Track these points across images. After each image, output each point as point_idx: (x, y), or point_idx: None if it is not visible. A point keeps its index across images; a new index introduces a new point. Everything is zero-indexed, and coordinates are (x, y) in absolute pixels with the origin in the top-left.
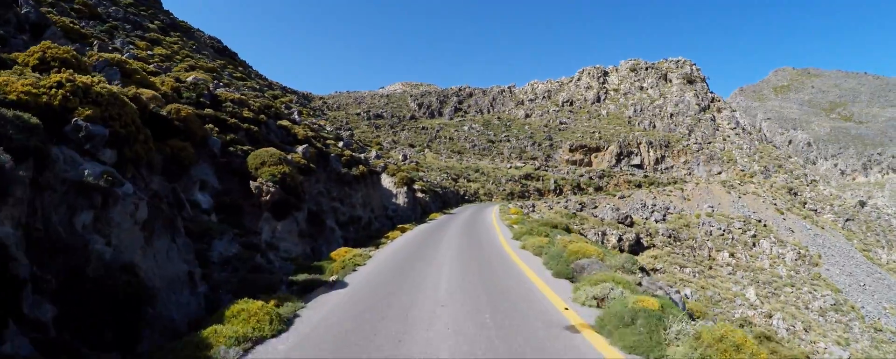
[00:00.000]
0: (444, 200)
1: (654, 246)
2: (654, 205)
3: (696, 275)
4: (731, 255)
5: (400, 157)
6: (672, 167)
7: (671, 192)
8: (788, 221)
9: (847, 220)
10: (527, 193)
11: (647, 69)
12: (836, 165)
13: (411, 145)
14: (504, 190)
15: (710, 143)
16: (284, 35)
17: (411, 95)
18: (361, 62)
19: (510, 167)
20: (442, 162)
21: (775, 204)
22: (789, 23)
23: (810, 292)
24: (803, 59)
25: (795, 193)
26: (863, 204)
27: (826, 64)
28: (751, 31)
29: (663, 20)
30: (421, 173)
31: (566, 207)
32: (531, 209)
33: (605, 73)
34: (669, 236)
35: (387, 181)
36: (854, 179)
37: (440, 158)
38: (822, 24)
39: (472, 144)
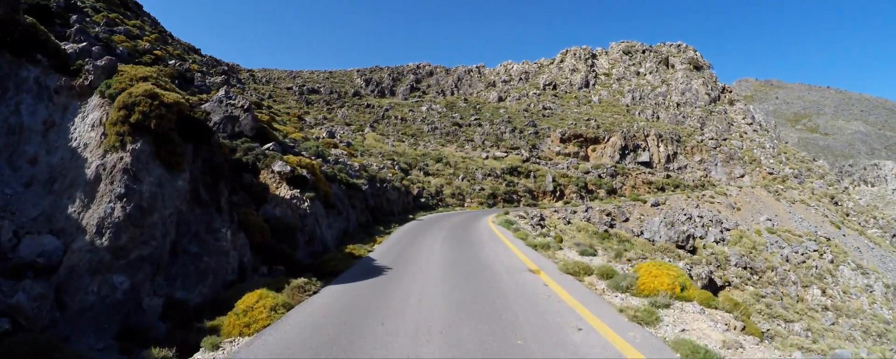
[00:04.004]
0: (377, 208)
1: (729, 284)
2: (702, 217)
3: (809, 333)
4: (823, 291)
5: (323, 134)
6: (686, 166)
7: (713, 198)
8: (849, 238)
9: (893, 235)
10: (515, 195)
11: (643, 53)
12: None
13: (347, 124)
14: (482, 190)
15: (725, 139)
16: (226, 10)
17: (358, 71)
18: (313, 46)
19: (487, 157)
20: (388, 146)
21: (827, 216)
22: (751, 35)
23: None
24: (764, 71)
25: (837, 203)
26: None
27: (788, 77)
28: (714, 40)
29: (622, 22)
30: (335, 151)
31: (588, 220)
32: (538, 222)
33: (594, 56)
34: (745, 267)
35: (87, 120)
36: None
37: (386, 140)
38: (783, 38)
39: (431, 126)
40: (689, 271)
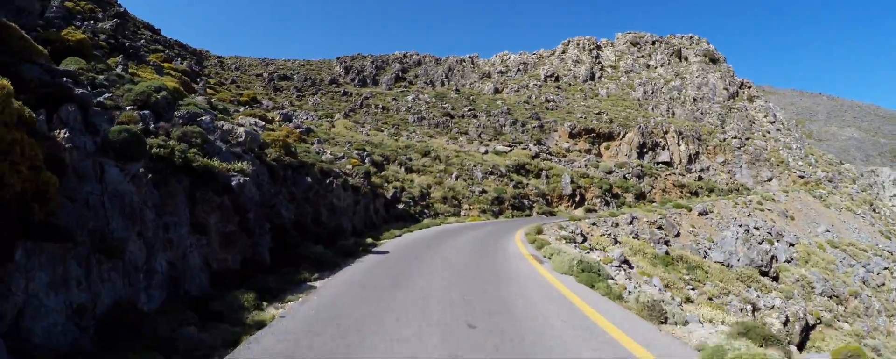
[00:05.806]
0: (301, 224)
1: (820, 321)
2: (758, 228)
3: None
4: None
5: (276, 116)
6: (709, 168)
7: (761, 204)
8: None
9: None
10: (526, 200)
11: (653, 44)
12: None
13: (314, 111)
14: (483, 193)
15: (747, 138)
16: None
17: (338, 59)
18: (295, 37)
19: (487, 152)
20: (361, 135)
21: (873, 225)
22: (745, 40)
23: None
24: (758, 76)
25: (875, 210)
26: None
27: (780, 82)
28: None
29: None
30: (247, 120)
31: (636, 235)
32: (579, 241)
33: (598, 47)
34: (830, 296)
35: None
36: None
37: (360, 129)
38: (775, 44)
39: (417, 116)
40: (786, 311)
